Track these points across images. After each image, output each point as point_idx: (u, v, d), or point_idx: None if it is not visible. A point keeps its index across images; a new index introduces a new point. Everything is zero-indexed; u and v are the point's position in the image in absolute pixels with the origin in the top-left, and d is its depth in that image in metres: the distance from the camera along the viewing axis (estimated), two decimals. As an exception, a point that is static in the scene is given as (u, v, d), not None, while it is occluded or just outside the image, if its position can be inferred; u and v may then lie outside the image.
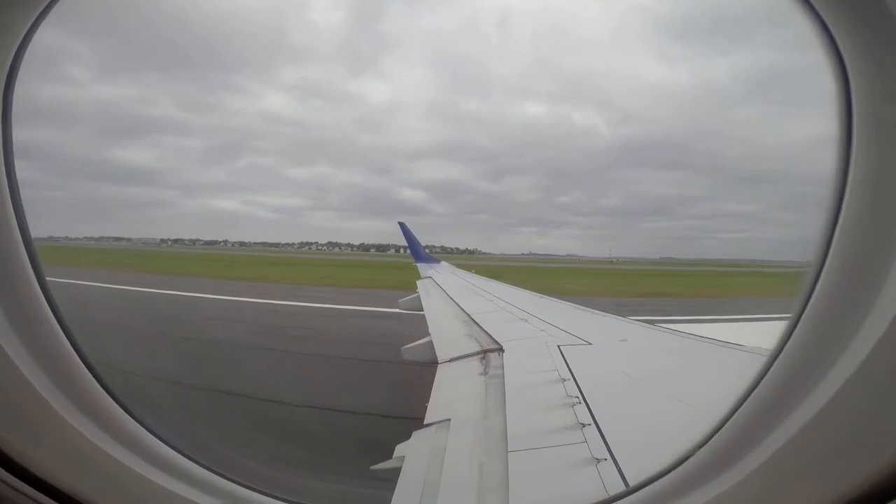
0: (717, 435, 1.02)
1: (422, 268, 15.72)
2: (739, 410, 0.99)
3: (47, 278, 1.12)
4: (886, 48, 0.80)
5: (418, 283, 11.28)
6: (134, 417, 1.21)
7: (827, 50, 0.87)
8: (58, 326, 1.12)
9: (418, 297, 9.11)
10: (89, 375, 1.15)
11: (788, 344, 0.93)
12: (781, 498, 0.87)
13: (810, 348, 0.89)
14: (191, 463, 1.28)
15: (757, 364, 0.99)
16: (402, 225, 20.67)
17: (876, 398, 0.78)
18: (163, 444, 1.24)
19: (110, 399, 1.17)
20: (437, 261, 18.89)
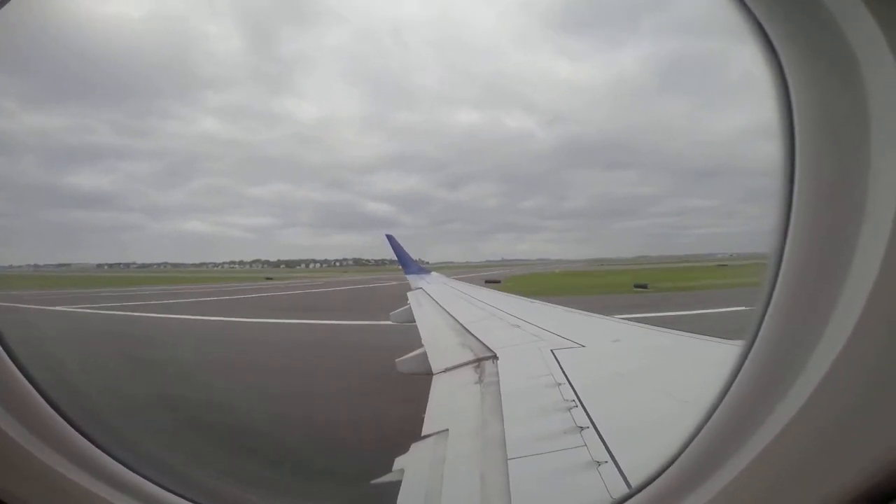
0: (693, 443, 1.00)
1: (412, 279, 15.66)
2: (712, 419, 0.97)
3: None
4: (819, 32, 0.79)
5: (409, 294, 11.23)
6: (85, 435, 1.19)
7: (757, 39, 0.86)
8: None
9: (410, 308, 9.07)
10: (37, 395, 1.14)
11: (755, 346, 0.91)
12: (765, 502, 0.86)
13: (780, 348, 0.87)
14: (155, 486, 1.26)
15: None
16: (389, 237, 20.62)
17: (855, 394, 0.77)
18: (111, 459, 1.23)
19: (61, 419, 1.16)
20: (427, 271, 18.84)
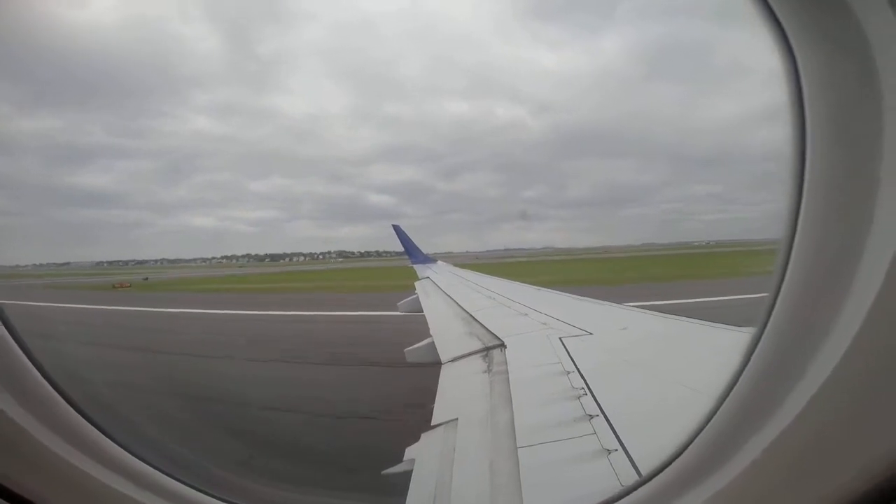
0: (699, 437, 1.00)
1: (419, 268, 15.69)
2: (718, 412, 0.96)
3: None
4: (834, 21, 0.77)
5: (416, 284, 11.24)
6: (99, 428, 1.21)
7: (774, 36, 0.84)
8: (14, 343, 1.11)
9: (417, 298, 9.10)
10: (49, 388, 1.15)
11: (763, 340, 0.90)
12: (772, 498, 0.85)
13: (786, 344, 0.86)
14: (165, 476, 1.28)
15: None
16: (395, 227, 20.67)
17: (862, 393, 0.76)
18: (133, 457, 1.24)
19: (74, 412, 1.17)
20: (434, 260, 18.88)
